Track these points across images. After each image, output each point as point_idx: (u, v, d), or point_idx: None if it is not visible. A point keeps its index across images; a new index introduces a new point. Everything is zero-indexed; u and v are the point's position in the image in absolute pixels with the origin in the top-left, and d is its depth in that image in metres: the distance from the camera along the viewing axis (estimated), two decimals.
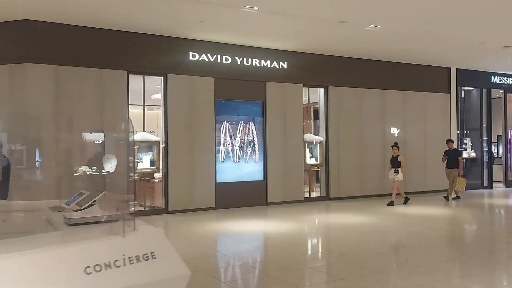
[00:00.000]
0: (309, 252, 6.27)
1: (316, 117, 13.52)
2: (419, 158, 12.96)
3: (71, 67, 8.70)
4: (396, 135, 12.61)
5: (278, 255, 6.17)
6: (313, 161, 11.79)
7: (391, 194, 12.31)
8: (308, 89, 11.87)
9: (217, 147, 10.28)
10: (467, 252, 6.25)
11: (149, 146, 9.78)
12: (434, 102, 13.31)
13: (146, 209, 9.83)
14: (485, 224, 8.77)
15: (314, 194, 11.94)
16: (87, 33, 8.85)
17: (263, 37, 9.96)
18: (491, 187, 14.24)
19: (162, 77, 9.76)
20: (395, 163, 10.70)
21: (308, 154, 11.71)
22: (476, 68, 13.77)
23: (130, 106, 9.63)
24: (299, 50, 11.05)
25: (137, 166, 9.55)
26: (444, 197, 11.68)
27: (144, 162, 9.72)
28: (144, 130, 9.85)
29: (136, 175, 9.89)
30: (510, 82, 14.63)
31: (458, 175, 11.56)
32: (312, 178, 12.41)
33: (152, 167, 9.78)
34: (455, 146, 12.55)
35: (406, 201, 10.85)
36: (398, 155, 10.71)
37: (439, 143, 13.33)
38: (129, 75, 9.36)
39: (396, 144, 10.85)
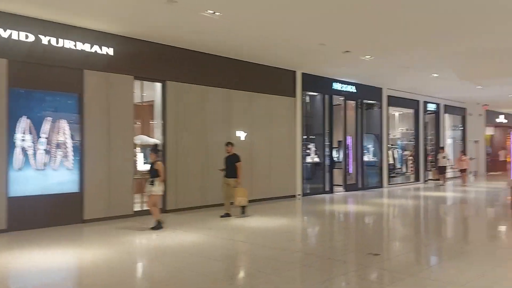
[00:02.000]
0: None
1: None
2: (264, 163, 12.33)
3: None
4: (243, 139, 11.74)
5: None
6: (147, 167, 10.08)
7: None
8: (142, 83, 10.13)
9: (11, 151, 7.83)
10: (303, 279, 5.35)
11: None
12: (281, 106, 12.89)
13: None
14: (324, 237, 8.27)
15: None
16: None
17: (79, 13, 7.90)
18: (332, 192, 14.52)
19: None
20: (152, 172, 8.13)
21: (141, 159, 9.97)
22: (319, 74, 13.85)
23: None
24: (129, 35, 9.27)
25: None
26: (221, 216, 9.33)
27: None
28: None
29: None
30: (349, 89, 15.20)
31: (237, 185, 9.44)
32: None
33: None
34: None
35: (157, 226, 8.00)
36: (155, 162, 8.20)
37: (285, 148, 12.99)
38: None
39: (154, 148, 8.54)
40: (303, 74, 13.38)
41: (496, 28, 8.92)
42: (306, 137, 14.40)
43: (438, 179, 18.44)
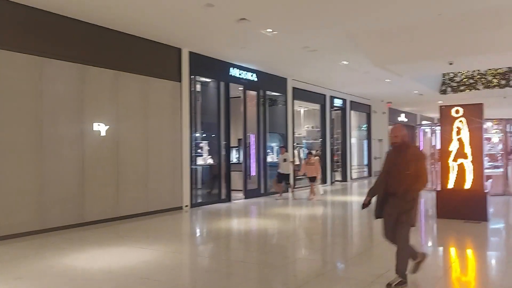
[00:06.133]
0: None
1: None
2: (138, 167, 9.29)
3: None
4: (103, 134, 8.56)
5: None
6: None
7: (89, 224, 8.30)
8: None
9: None
10: None
11: None
12: (161, 92, 9.94)
13: None
14: None
15: None
16: None
17: None
18: (229, 200, 11.94)
19: None
20: None
21: None
22: (212, 55, 11.17)
23: None
24: None
25: None
26: None
27: None
28: None
29: None
30: (250, 77, 12.79)
31: None
32: None
33: None
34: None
35: None
36: None
37: (167, 147, 10.07)
38: None
39: None
40: (191, 54, 10.59)
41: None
42: (197, 133, 11.68)
43: (278, 192, 13.04)
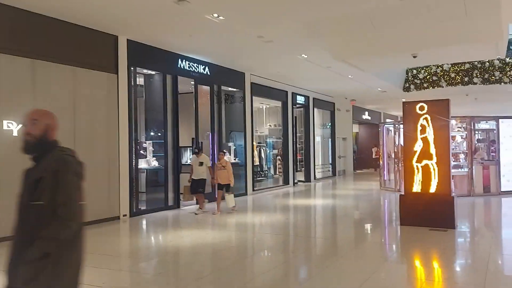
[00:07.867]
0: None
1: None
2: None
3: None
4: (16, 134, 7.23)
5: None
6: None
7: (6, 239, 6.87)
8: None
9: None
10: None
11: None
12: (93, 85, 8.65)
13: None
14: None
15: None
16: None
17: None
18: (178, 206, 10.79)
19: None
20: None
21: None
22: (156, 45, 9.97)
23: None
24: None
25: None
26: None
27: None
28: None
29: None
30: (201, 70, 11.66)
31: None
32: None
33: None
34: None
35: None
36: None
37: (100, 148, 8.81)
38: None
39: None
40: (130, 42, 9.36)
41: None
42: (139, 132, 10.47)
43: (198, 203, 10.24)
